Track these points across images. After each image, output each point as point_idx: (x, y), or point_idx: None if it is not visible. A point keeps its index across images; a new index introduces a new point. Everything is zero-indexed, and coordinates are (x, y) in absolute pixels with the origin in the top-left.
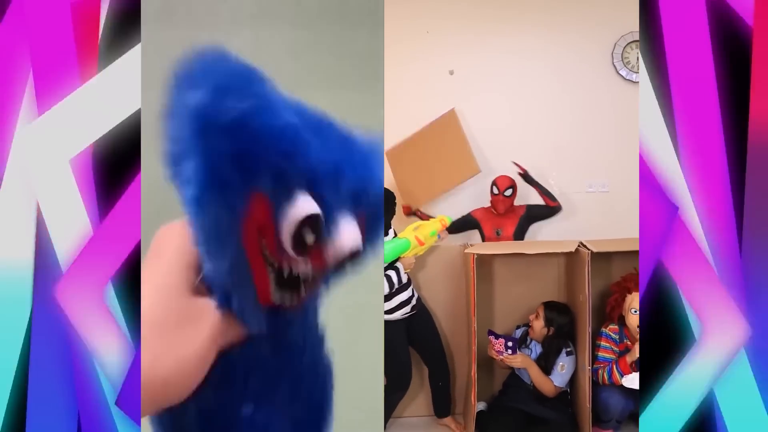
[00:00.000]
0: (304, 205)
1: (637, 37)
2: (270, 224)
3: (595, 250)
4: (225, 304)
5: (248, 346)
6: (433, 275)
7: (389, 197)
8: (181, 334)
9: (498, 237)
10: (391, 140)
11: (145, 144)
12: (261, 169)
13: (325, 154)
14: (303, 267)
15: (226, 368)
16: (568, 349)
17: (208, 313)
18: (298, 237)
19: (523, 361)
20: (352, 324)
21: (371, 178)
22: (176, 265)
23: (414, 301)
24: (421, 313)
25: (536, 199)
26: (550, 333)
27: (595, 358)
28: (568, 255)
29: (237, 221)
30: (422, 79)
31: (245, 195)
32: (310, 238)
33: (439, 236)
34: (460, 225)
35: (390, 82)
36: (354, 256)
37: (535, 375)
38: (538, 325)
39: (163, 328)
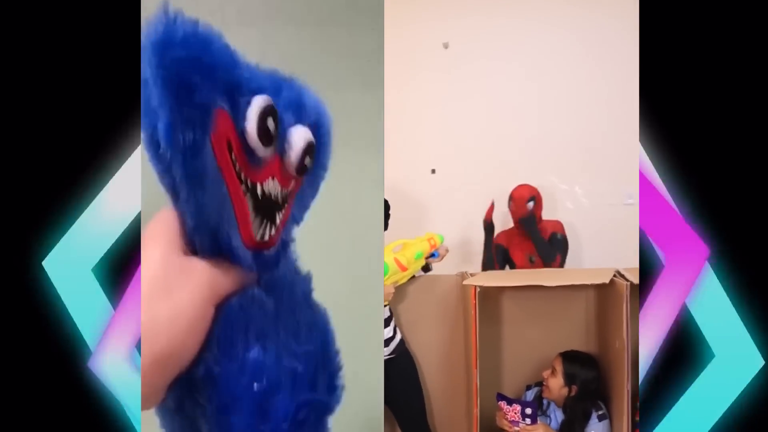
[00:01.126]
0: (259, 100)
1: None
2: (235, 134)
3: (636, 281)
4: (212, 248)
5: (243, 294)
6: (419, 314)
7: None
8: (176, 291)
9: (532, 265)
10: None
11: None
12: (216, 86)
13: (264, 78)
14: (272, 185)
15: (228, 319)
16: (600, 413)
17: (200, 270)
18: (260, 125)
19: None
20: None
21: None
22: (165, 235)
23: (395, 343)
24: (401, 359)
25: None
26: (573, 393)
27: (635, 425)
28: (600, 288)
29: (207, 137)
30: (409, 53)
31: (209, 112)
32: (271, 124)
33: (434, 254)
34: (487, 261)
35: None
36: (306, 168)
37: None
38: (556, 384)
39: (159, 289)
